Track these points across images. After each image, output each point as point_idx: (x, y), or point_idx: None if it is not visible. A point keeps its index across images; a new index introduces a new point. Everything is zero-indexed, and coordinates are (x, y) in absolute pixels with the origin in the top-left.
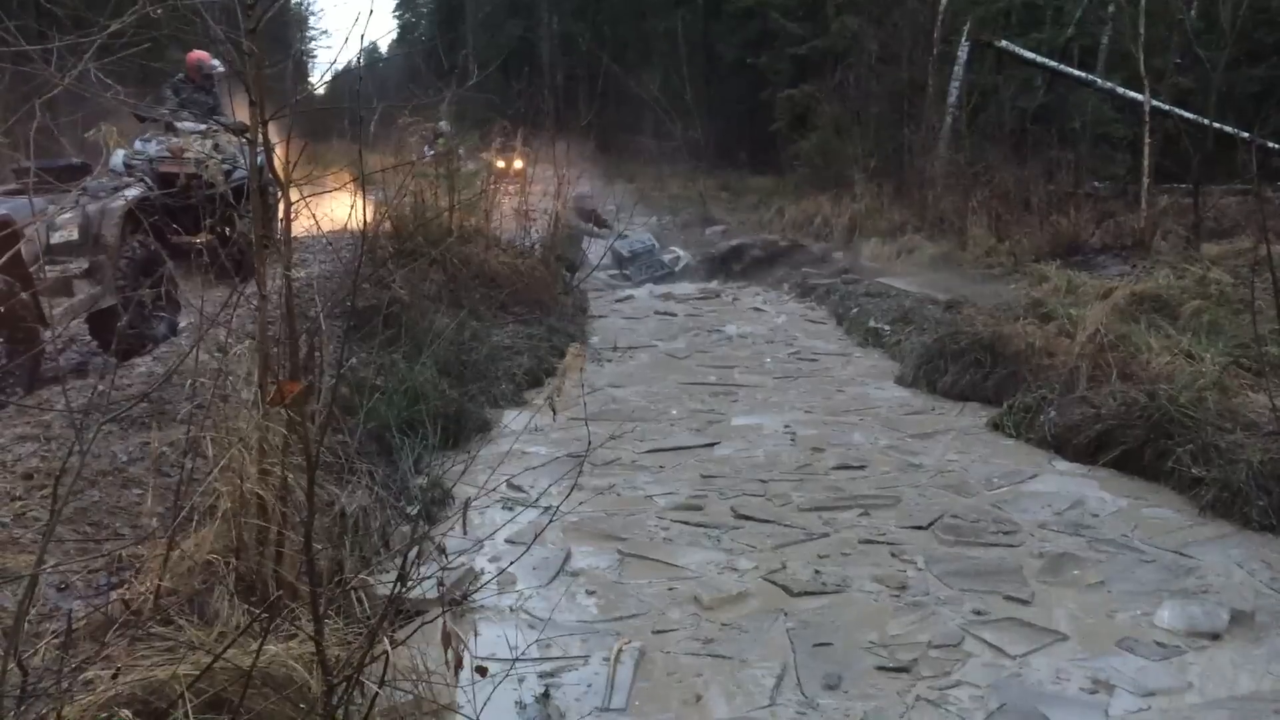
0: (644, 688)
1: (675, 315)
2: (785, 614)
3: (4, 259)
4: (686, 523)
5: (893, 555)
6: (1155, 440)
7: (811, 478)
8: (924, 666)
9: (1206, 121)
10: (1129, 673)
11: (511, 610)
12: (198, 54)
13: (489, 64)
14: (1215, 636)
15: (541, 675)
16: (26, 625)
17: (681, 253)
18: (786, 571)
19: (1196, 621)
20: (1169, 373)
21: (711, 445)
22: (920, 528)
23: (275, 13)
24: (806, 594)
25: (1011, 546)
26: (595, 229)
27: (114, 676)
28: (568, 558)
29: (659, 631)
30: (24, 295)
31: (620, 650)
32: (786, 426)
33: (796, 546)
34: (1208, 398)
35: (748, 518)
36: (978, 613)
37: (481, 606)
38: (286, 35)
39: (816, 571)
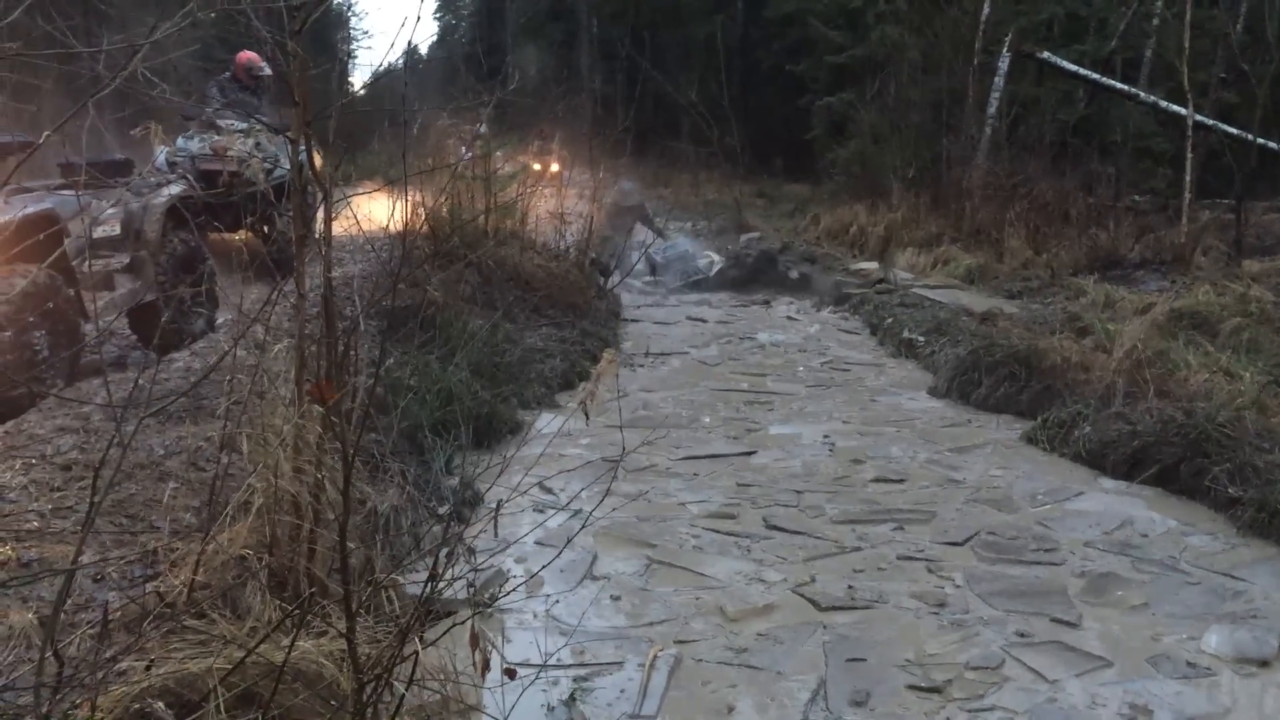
0: (675, 696)
1: (706, 321)
2: (824, 627)
3: (52, 257)
4: (718, 531)
5: (929, 571)
6: (1192, 459)
7: (847, 489)
8: (957, 688)
9: (1250, 137)
10: (1167, 697)
11: (535, 616)
12: (247, 54)
13: (529, 68)
14: (1264, 663)
15: (575, 680)
16: (63, 615)
17: (715, 256)
18: (815, 585)
19: (1245, 648)
20: (1207, 391)
21: (748, 454)
22: (956, 544)
23: (319, 15)
24: (834, 609)
25: (1054, 565)
26: (646, 226)
27: (147, 668)
28: (594, 561)
29: (681, 641)
30: (67, 289)
31: (655, 657)
32: (825, 436)
33: (826, 560)
34: (1246, 417)
35: (779, 528)
36: (1021, 634)
37: (510, 609)
38: (329, 36)
39: (850, 586)
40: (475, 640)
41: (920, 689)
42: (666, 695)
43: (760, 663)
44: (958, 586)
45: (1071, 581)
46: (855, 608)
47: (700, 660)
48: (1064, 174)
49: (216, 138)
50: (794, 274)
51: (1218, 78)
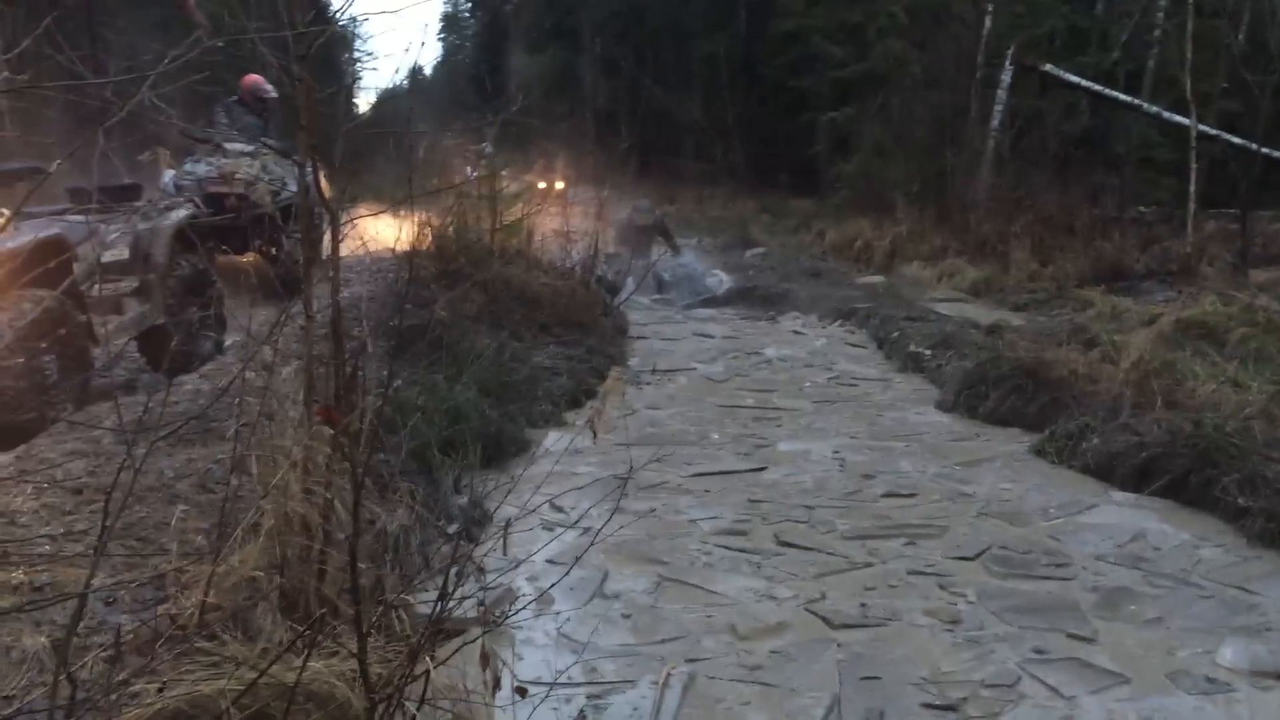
0: (688, 714)
1: (713, 337)
2: (837, 644)
3: (64, 284)
4: (729, 548)
5: (941, 587)
6: (1201, 469)
7: (858, 505)
8: (973, 706)
9: (1254, 146)
10: (1185, 713)
11: (546, 634)
12: (253, 78)
13: (532, 87)
14: (1279, 676)
15: (588, 698)
16: (76, 639)
17: (723, 274)
18: (827, 602)
19: (1261, 661)
20: (1215, 401)
21: (758, 470)
22: (968, 559)
23: (324, 39)
24: (847, 626)
25: (1066, 579)
26: (665, 242)
27: (160, 690)
28: (604, 579)
29: (693, 659)
30: (77, 314)
31: (668, 675)
32: (835, 452)
33: (838, 576)
34: (1254, 426)
35: (790, 545)
36: (1036, 650)
37: (520, 627)
38: (334, 57)
39: (862, 603)
40: (486, 659)
41: (935, 707)
42: (680, 713)
43: (773, 680)
44: (971, 602)
45: (1085, 596)
46: (868, 625)
47: (713, 678)
48: (1068, 186)
49: (224, 161)
50: (799, 288)
51: (1221, 88)
